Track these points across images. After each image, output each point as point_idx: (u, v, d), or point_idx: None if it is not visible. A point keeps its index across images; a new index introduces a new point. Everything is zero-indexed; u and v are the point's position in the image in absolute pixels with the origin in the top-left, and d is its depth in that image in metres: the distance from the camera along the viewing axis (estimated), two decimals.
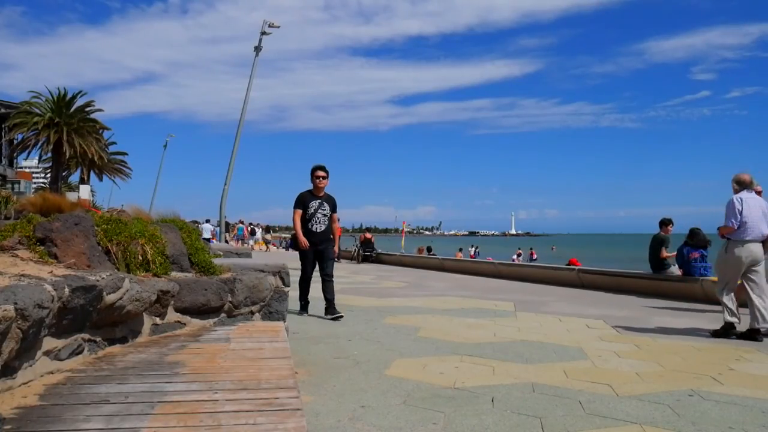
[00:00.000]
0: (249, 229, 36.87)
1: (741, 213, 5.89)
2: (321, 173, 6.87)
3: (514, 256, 40.18)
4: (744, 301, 5.96)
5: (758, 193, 6.42)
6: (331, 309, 6.67)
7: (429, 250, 26.34)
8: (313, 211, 6.83)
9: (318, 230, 6.81)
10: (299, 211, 6.86)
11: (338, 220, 7.25)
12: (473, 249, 42.19)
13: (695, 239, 9.42)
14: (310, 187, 7.01)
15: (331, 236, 6.97)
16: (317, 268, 6.99)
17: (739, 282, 6.02)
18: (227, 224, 28.86)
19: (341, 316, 6.55)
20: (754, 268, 5.90)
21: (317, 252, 6.85)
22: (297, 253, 7.08)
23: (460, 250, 36.77)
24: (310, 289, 7.08)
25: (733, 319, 5.92)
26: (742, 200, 5.96)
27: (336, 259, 6.91)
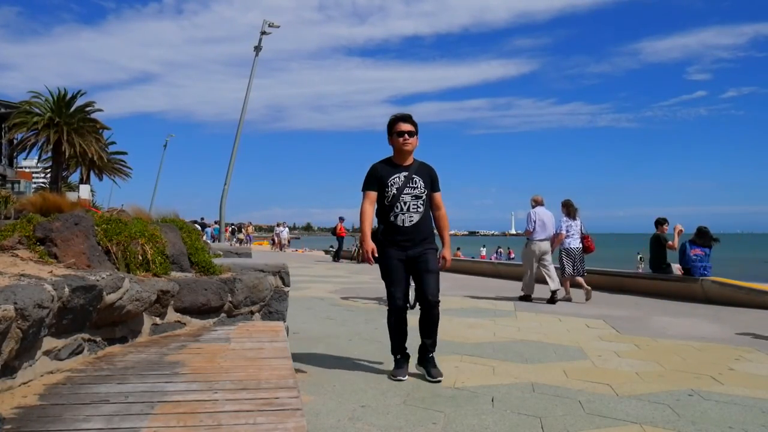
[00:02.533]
0: (229, 229, 35.55)
1: (535, 222, 8.97)
2: (405, 126, 4.02)
3: (494, 255, 40.05)
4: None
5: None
6: (427, 359, 4.06)
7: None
8: (396, 191, 3.99)
9: (407, 223, 3.98)
10: (372, 194, 4.05)
11: (443, 206, 4.24)
12: (490, 249, 40.96)
13: (703, 238, 9.41)
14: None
15: (432, 233, 4.14)
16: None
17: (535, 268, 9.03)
18: (204, 225, 28.56)
19: (440, 380, 3.93)
20: (544, 257, 8.98)
21: (409, 261, 4.00)
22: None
23: (459, 249, 36.71)
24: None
25: (530, 292, 9.00)
26: (535, 213, 9.03)
27: (440, 267, 4.12)
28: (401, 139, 4.03)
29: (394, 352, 4.15)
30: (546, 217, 9.03)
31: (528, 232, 9.12)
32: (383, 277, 4.09)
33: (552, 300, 8.66)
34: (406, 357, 4.12)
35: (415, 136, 4.07)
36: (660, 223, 10.09)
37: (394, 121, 4.09)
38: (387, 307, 4.15)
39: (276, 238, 34.50)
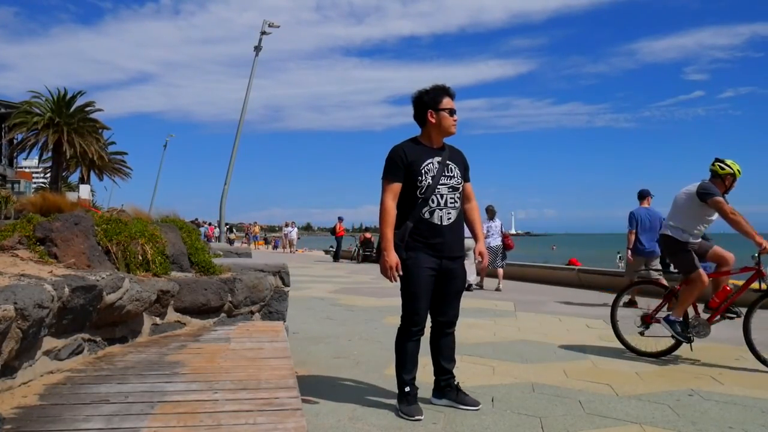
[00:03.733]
0: (213, 228, 33.76)
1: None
2: (451, 103, 3.31)
3: None
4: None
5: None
6: (455, 387, 3.41)
7: None
8: (431, 180, 3.22)
9: (444, 221, 3.23)
10: (397, 186, 3.24)
11: (474, 197, 3.54)
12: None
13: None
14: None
15: (464, 236, 3.41)
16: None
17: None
18: (198, 224, 28.40)
19: (476, 407, 3.33)
20: (467, 253, 10.33)
21: (442, 273, 3.26)
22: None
23: None
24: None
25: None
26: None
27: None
28: (452, 119, 3.29)
29: (405, 383, 3.26)
30: None
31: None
32: (407, 288, 3.24)
33: (468, 288, 10.05)
34: (415, 389, 3.29)
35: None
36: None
37: (442, 93, 3.30)
38: (400, 326, 3.32)
39: (283, 239, 32.09)
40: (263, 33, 21.44)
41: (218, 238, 23.64)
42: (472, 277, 10.18)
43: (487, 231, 10.76)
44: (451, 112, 3.28)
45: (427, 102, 3.29)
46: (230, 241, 31.27)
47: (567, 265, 16.05)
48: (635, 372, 4.28)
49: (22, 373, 2.41)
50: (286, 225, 32.30)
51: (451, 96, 3.32)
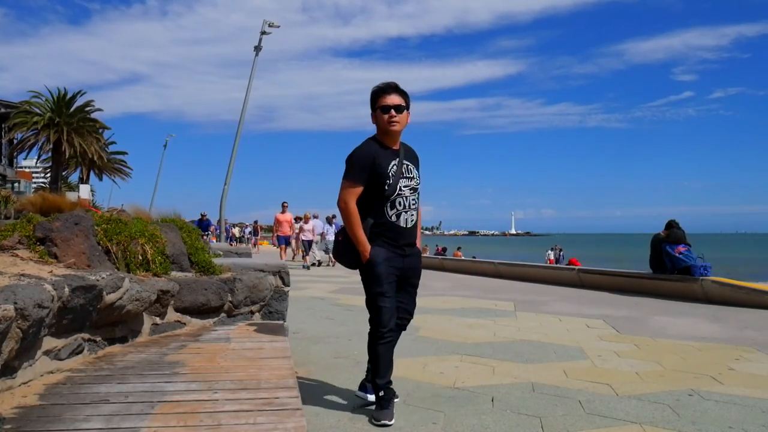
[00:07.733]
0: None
1: (314, 227, 18.09)
2: (391, 99, 3.18)
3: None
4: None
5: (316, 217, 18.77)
6: (383, 395, 3.19)
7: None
8: (393, 182, 3.17)
9: (409, 224, 3.24)
10: (358, 189, 3.17)
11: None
12: (553, 252, 38.09)
13: (670, 235, 9.42)
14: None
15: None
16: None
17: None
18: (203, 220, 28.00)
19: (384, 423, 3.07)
20: (315, 244, 18.26)
21: (402, 272, 3.30)
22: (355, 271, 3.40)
23: (459, 248, 36.67)
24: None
25: (314, 261, 17.67)
26: (311, 222, 18.22)
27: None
28: (386, 117, 3.14)
29: (380, 388, 3.19)
30: (317, 224, 18.48)
31: (301, 230, 18.17)
32: (373, 287, 3.24)
33: (317, 265, 17.66)
34: (392, 393, 3.23)
35: (405, 112, 3.21)
36: (669, 226, 10.01)
37: (377, 91, 3.21)
38: (370, 330, 3.35)
39: (295, 241, 19.46)
40: (263, 33, 21.43)
41: (218, 238, 23.58)
42: (320, 255, 18.16)
43: (326, 231, 18.05)
44: (384, 109, 3.16)
45: (370, 104, 3.27)
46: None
47: (567, 265, 16.05)
48: (635, 372, 4.28)
49: (22, 372, 2.41)
50: (306, 219, 18.70)
51: (386, 91, 3.20)
